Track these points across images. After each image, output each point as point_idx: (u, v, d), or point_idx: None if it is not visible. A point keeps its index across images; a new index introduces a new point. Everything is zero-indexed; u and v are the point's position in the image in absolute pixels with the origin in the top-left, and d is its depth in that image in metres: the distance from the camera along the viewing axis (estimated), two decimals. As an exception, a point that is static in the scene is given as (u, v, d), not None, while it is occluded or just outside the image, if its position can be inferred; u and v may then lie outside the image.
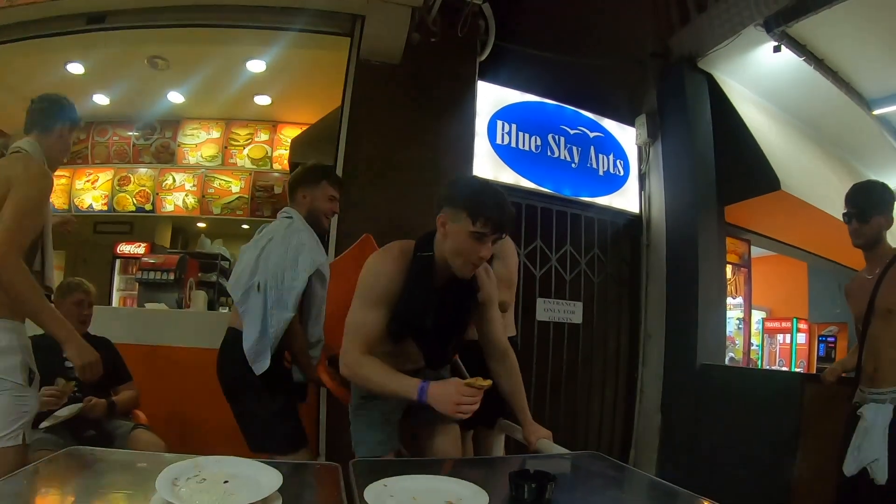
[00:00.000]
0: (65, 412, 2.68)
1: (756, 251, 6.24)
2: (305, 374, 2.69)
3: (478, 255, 1.82)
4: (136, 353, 3.32)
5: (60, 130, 2.33)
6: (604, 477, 1.74)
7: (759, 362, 8.21)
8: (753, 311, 7.09)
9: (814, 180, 5.29)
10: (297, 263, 2.51)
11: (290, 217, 2.69)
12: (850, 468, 2.55)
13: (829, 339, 8.32)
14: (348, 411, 2.22)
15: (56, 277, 2.81)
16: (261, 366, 2.48)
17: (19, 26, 4.29)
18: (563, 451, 1.98)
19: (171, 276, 4.87)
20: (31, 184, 2.00)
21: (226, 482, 1.24)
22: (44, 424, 2.64)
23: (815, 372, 7.37)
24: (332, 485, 1.41)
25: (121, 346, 3.21)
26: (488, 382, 1.75)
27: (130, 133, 6.76)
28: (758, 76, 5.04)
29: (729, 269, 5.59)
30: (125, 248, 7.04)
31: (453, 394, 1.73)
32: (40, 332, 2.88)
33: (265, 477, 1.26)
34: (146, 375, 3.24)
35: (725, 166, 4.84)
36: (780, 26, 4.23)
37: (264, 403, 2.53)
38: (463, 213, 1.81)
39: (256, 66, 5.34)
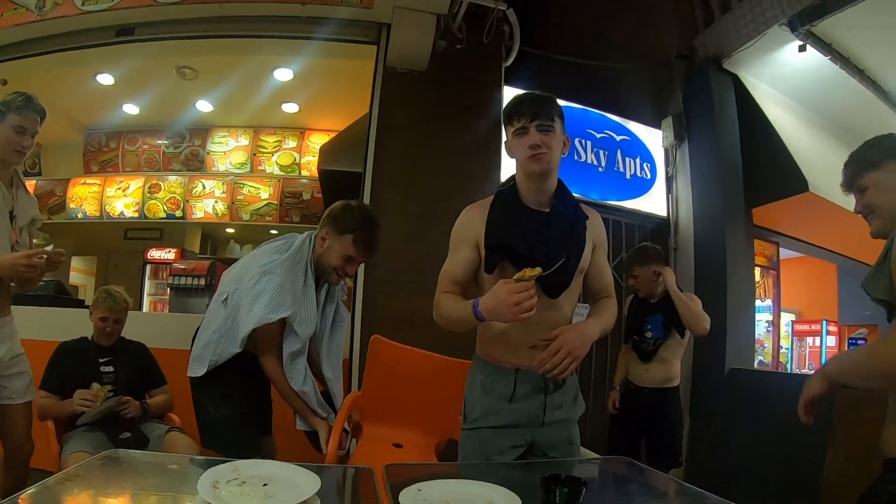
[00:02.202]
0: (100, 409, 2.75)
1: (784, 253, 6.16)
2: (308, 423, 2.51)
3: (527, 146, 1.79)
4: (170, 357, 3.38)
5: None
6: (634, 482, 1.73)
7: (788, 365, 8.08)
8: (782, 314, 7.00)
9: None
10: (251, 308, 2.34)
11: (287, 253, 2.45)
12: None
13: (859, 341, 8.15)
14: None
15: (88, 283, 2.91)
16: (194, 370, 2.49)
17: (50, 39, 4.42)
18: (593, 454, 1.99)
19: (202, 282, 4.93)
20: None
21: (265, 485, 1.26)
22: (81, 421, 2.74)
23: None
24: (368, 488, 1.42)
25: (155, 350, 3.26)
26: (537, 270, 1.61)
27: (160, 141, 6.89)
28: (783, 76, 4.99)
29: (757, 271, 5.53)
30: (155, 254, 7.18)
31: (504, 296, 1.60)
32: (76, 337, 2.99)
33: (304, 480, 1.27)
34: (181, 379, 3.29)
35: (753, 168, 4.80)
36: (804, 25, 4.19)
37: (214, 406, 2.49)
38: (506, 126, 1.86)
39: (284, 74, 5.40)
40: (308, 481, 1.26)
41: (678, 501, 1.58)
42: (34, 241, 2.62)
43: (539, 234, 1.82)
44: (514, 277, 1.61)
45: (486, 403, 1.88)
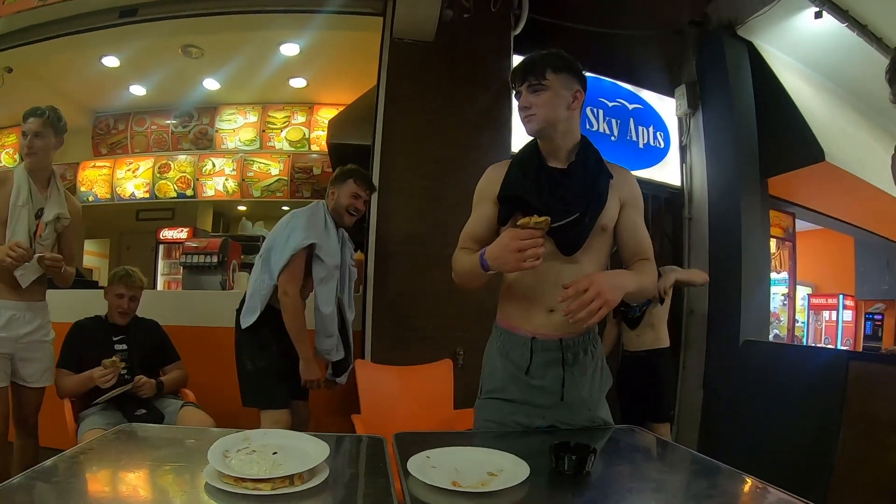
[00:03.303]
0: (115, 391, 2.78)
1: (801, 225, 6.09)
2: (299, 353, 2.86)
3: (520, 109, 1.79)
4: (184, 334, 3.41)
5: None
6: (644, 450, 1.73)
7: (803, 339, 8.04)
8: (798, 287, 6.94)
9: (859, 151, 5.12)
10: (286, 242, 2.82)
11: (308, 206, 3.00)
12: None
13: (875, 316, 8.11)
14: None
15: (102, 265, 3.00)
16: (245, 320, 2.87)
17: (53, 24, 4.41)
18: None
19: (215, 259, 4.94)
20: None
21: (275, 453, 1.27)
22: (97, 401, 2.78)
23: (860, 350, 7.19)
24: (378, 456, 1.43)
25: (169, 327, 3.30)
26: (544, 219, 1.55)
27: (168, 121, 6.89)
28: (799, 43, 4.88)
29: (773, 242, 5.47)
30: (168, 234, 7.21)
31: (508, 243, 1.56)
32: (91, 315, 3.03)
33: (313, 448, 1.29)
34: (194, 355, 3.33)
35: (768, 137, 4.72)
36: (820, -9, 4.10)
37: (251, 359, 2.86)
38: None
39: (290, 49, 5.38)
40: (317, 449, 1.27)
41: (690, 470, 1.56)
42: None
43: (555, 190, 1.76)
44: (519, 223, 1.56)
45: (503, 374, 1.82)
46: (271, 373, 2.83)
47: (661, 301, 3.74)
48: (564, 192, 1.76)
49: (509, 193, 1.79)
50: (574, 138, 1.83)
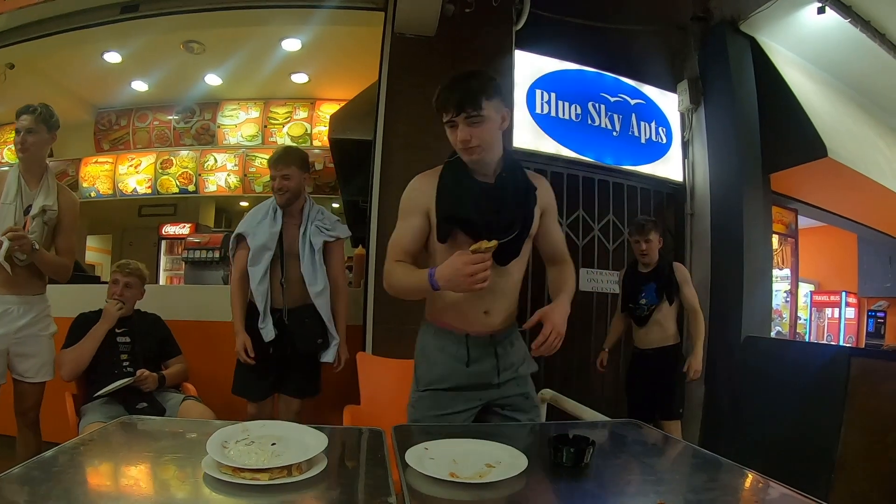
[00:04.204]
0: (117, 384, 2.79)
1: (804, 222, 6.08)
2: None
3: (457, 141, 1.82)
4: (185, 328, 3.42)
5: None
6: (644, 444, 1.72)
7: (806, 336, 8.03)
8: (801, 284, 6.94)
9: (862, 147, 5.12)
10: None
11: None
12: None
13: (878, 314, 8.11)
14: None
15: (104, 261, 3.01)
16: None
17: (55, 20, 4.40)
18: (604, 417, 1.99)
19: (217, 255, 4.95)
20: None
21: (273, 444, 1.28)
22: (99, 393, 2.78)
23: (863, 347, 7.18)
24: (377, 447, 1.43)
25: (171, 322, 3.31)
26: (493, 243, 1.65)
27: (170, 117, 6.88)
28: (802, 39, 4.87)
29: (775, 239, 5.47)
30: (170, 230, 7.23)
31: (460, 265, 1.64)
32: (94, 308, 3.05)
33: (312, 439, 1.29)
34: (196, 349, 3.34)
35: (770, 132, 4.71)
36: (823, -14, 4.09)
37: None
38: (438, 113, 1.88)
39: (292, 44, 5.36)
40: (316, 440, 1.28)
41: (691, 464, 1.56)
42: None
43: (490, 205, 1.87)
44: (471, 249, 1.65)
45: (443, 366, 1.95)
46: (246, 367, 3.01)
47: (671, 301, 3.81)
48: (499, 207, 1.87)
49: (451, 214, 1.87)
50: (499, 153, 1.91)
